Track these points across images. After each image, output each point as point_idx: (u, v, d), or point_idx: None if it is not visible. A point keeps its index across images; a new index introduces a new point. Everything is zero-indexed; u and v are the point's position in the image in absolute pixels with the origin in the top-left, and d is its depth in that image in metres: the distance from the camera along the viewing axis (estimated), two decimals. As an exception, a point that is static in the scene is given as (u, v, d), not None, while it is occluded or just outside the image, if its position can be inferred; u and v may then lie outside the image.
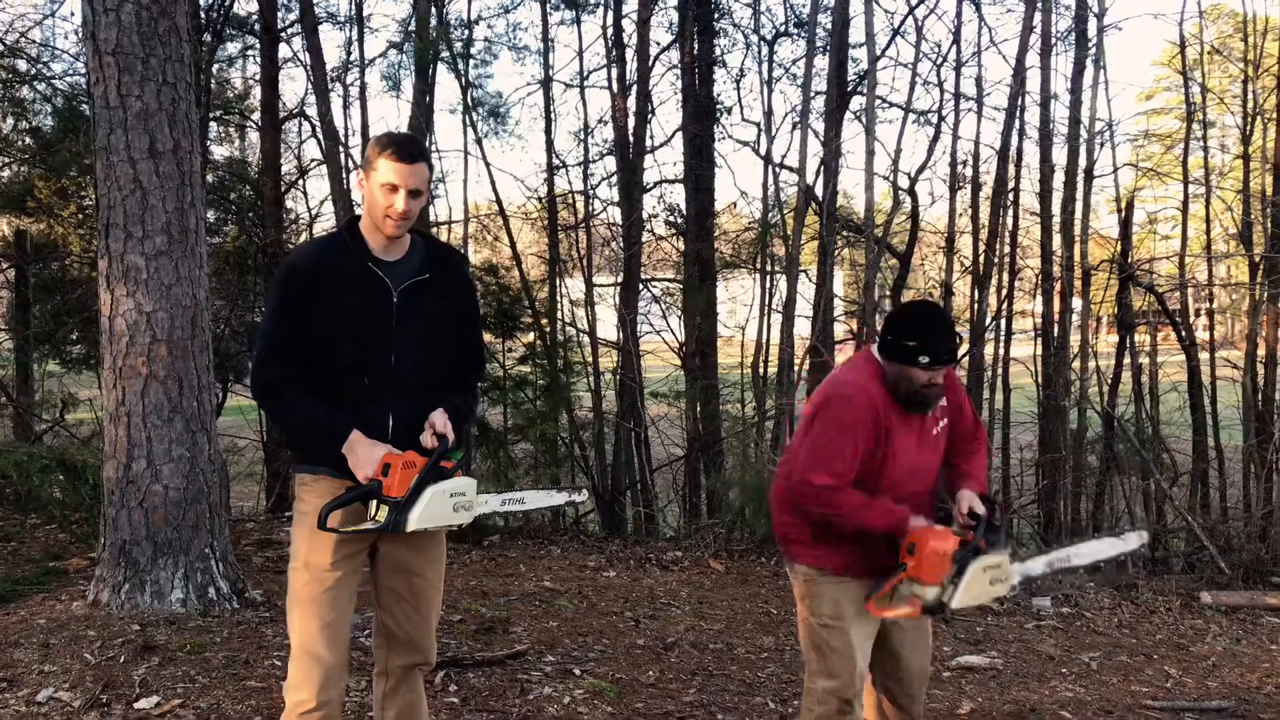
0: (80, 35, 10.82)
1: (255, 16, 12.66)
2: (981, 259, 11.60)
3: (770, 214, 13.05)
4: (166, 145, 4.64)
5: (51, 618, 4.60)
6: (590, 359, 10.85)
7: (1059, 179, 11.59)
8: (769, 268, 12.54)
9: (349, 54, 12.82)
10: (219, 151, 14.37)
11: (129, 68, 4.54)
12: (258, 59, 12.98)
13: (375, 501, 2.63)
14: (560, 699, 4.18)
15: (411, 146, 2.69)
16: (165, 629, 4.45)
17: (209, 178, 12.41)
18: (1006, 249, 12.44)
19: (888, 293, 13.36)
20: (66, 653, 4.18)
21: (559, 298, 11.44)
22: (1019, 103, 11.62)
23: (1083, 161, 11.60)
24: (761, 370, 11.88)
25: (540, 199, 12.93)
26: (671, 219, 13.99)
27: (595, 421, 10.64)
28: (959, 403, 3.23)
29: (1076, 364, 11.23)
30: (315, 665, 2.68)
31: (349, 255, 2.71)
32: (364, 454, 2.61)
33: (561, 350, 10.16)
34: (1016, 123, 11.26)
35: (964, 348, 12.63)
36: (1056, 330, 11.26)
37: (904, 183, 13.63)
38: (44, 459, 6.56)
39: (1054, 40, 11.54)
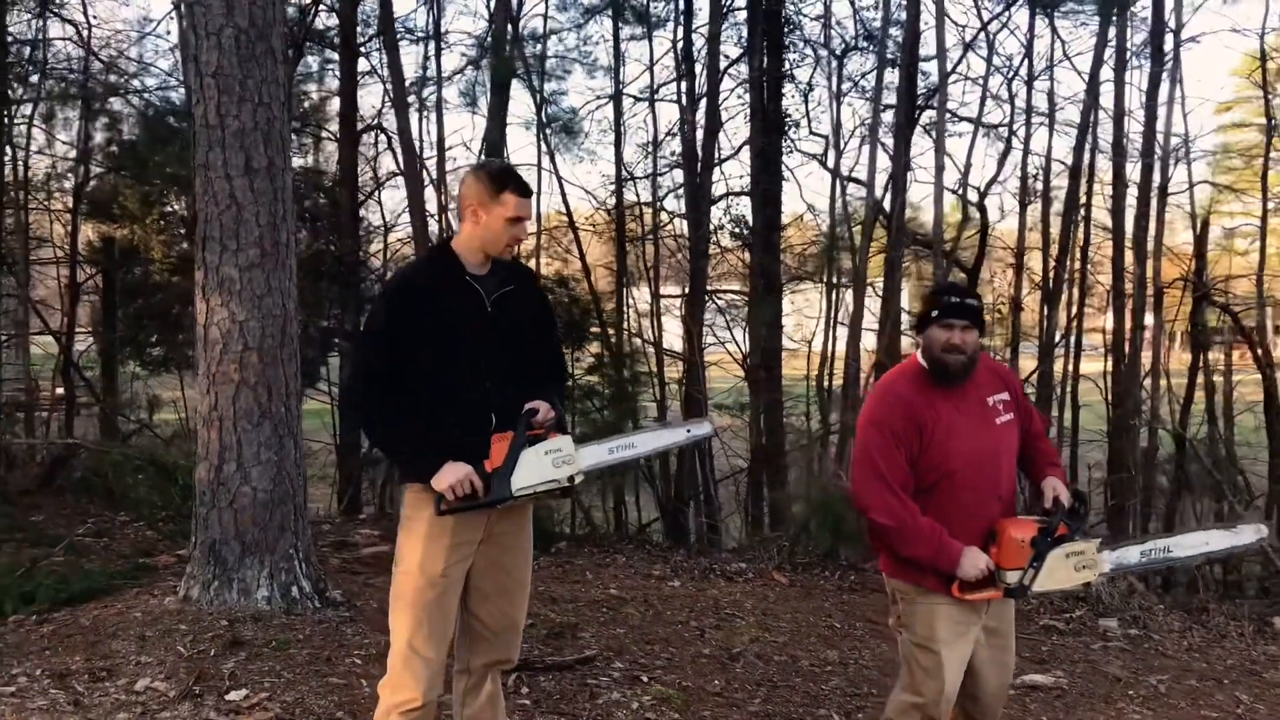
0: (179, 54, 11.25)
1: (335, 32, 13.05)
2: (1052, 274, 11.52)
3: (838, 228, 13.07)
4: (261, 163, 4.86)
5: (146, 611, 4.83)
6: (656, 369, 10.99)
7: (1132, 194, 11.49)
8: (835, 281, 12.58)
9: (425, 69, 13.15)
10: (295, 162, 14.79)
11: (228, 89, 4.77)
12: (336, 72, 13.39)
13: (483, 483, 2.80)
14: (629, 704, 4.30)
15: (526, 182, 2.92)
16: (252, 625, 4.65)
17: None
18: (1077, 265, 12.34)
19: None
20: (160, 645, 4.40)
21: (625, 309, 11.60)
22: (1092, 117, 11.53)
23: (1156, 178, 11.47)
24: (826, 384, 11.92)
25: (609, 211, 13.12)
26: (738, 231, 14.09)
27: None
28: (1027, 409, 3.30)
29: (1148, 382, 11.08)
30: (423, 666, 2.84)
31: (448, 271, 2.90)
32: (450, 470, 2.76)
33: (628, 361, 10.32)
34: (1089, 138, 11.17)
35: (1033, 363, 12.53)
36: (1128, 348, 11.13)
37: (973, 197, 13.60)
38: (136, 459, 6.85)
39: (1129, 54, 11.43)
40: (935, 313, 3.12)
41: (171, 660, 4.25)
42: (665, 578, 7.11)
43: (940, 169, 10.06)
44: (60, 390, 12.25)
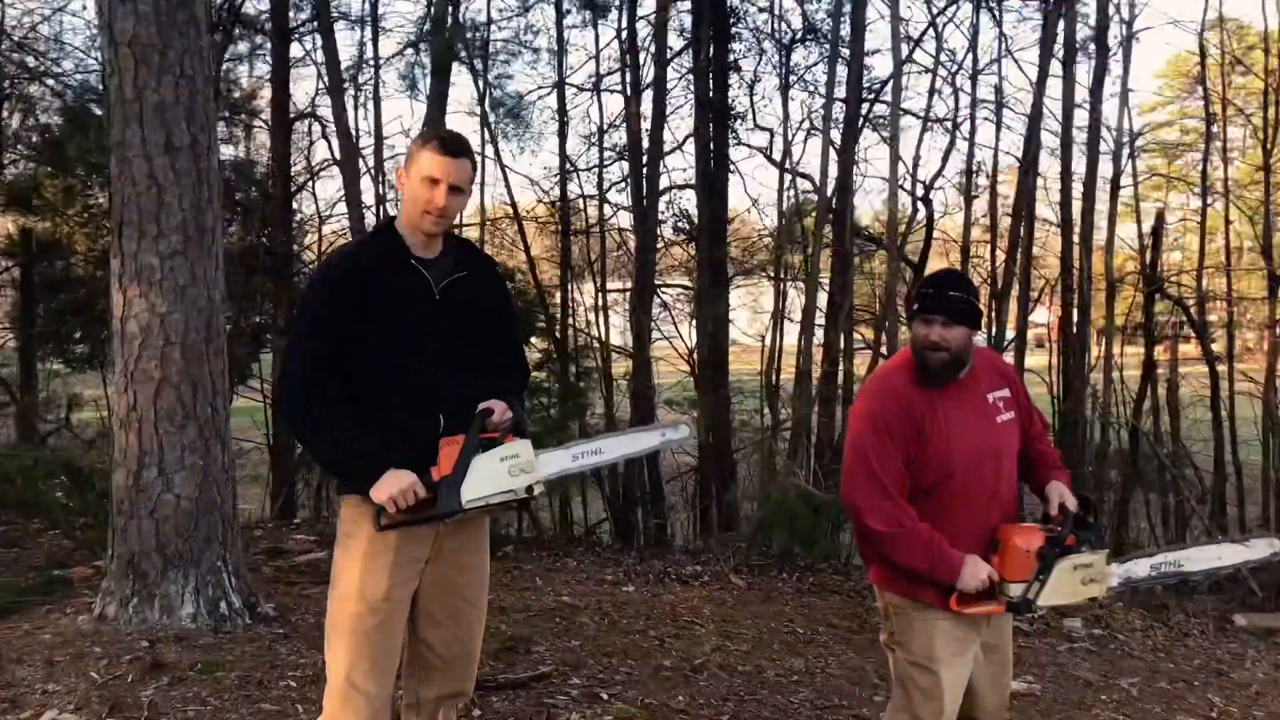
0: (97, 26, 10.65)
1: (266, 15, 12.52)
2: (1000, 268, 11.45)
3: (785, 221, 12.89)
4: (183, 140, 4.46)
5: (56, 632, 4.41)
6: (602, 365, 10.69)
7: (1078, 189, 11.47)
8: (783, 275, 12.39)
9: (362, 54, 12.69)
10: (226, 151, 14.20)
11: (146, 59, 4.36)
12: (267, 58, 12.85)
13: (430, 494, 2.48)
14: (589, 727, 4.00)
15: (455, 142, 2.56)
16: (175, 646, 4.26)
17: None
18: (1021, 259, 12.30)
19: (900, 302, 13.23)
20: (72, 670, 3.99)
21: (571, 304, 11.29)
22: (1039, 110, 11.47)
23: (1105, 170, 11.45)
24: (774, 380, 11.72)
25: (552, 203, 12.79)
26: (683, 225, 13.85)
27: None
28: (1027, 407, 3.06)
29: (1095, 376, 11.06)
30: (365, 703, 2.51)
31: (389, 253, 2.57)
32: (391, 479, 2.44)
33: (575, 357, 10.01)
34: (1037, 131, 11.10)
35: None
36: (1075, 343, 11.10)
37: (919, 191, 13.51)
38: (49, 464, 6.36)
39: (1076, 48, 11.39)
40: (915, 305, 2.88)
41: (83, 688, 3.85)
42: (619, 582, 6.82)
43: (894, 162, 9.90)
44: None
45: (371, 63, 12.02)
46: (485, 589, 2.73)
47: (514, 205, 11.01)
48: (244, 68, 13.63)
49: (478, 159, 2.79)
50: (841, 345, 11.09)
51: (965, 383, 2.92)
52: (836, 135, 11.71)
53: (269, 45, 12.51)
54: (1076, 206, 11.47)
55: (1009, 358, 11.34)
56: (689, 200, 13.29)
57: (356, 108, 12.36)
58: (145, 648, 4.21)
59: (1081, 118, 11.39)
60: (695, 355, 12.08)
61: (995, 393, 2.93)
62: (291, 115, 12.54)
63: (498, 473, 2.47)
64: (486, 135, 11.55)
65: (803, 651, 5.51)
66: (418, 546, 2.56)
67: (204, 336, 4.55)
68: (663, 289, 12.98)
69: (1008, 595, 2.77)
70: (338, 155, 11.11)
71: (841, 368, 10.23)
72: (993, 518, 2.86)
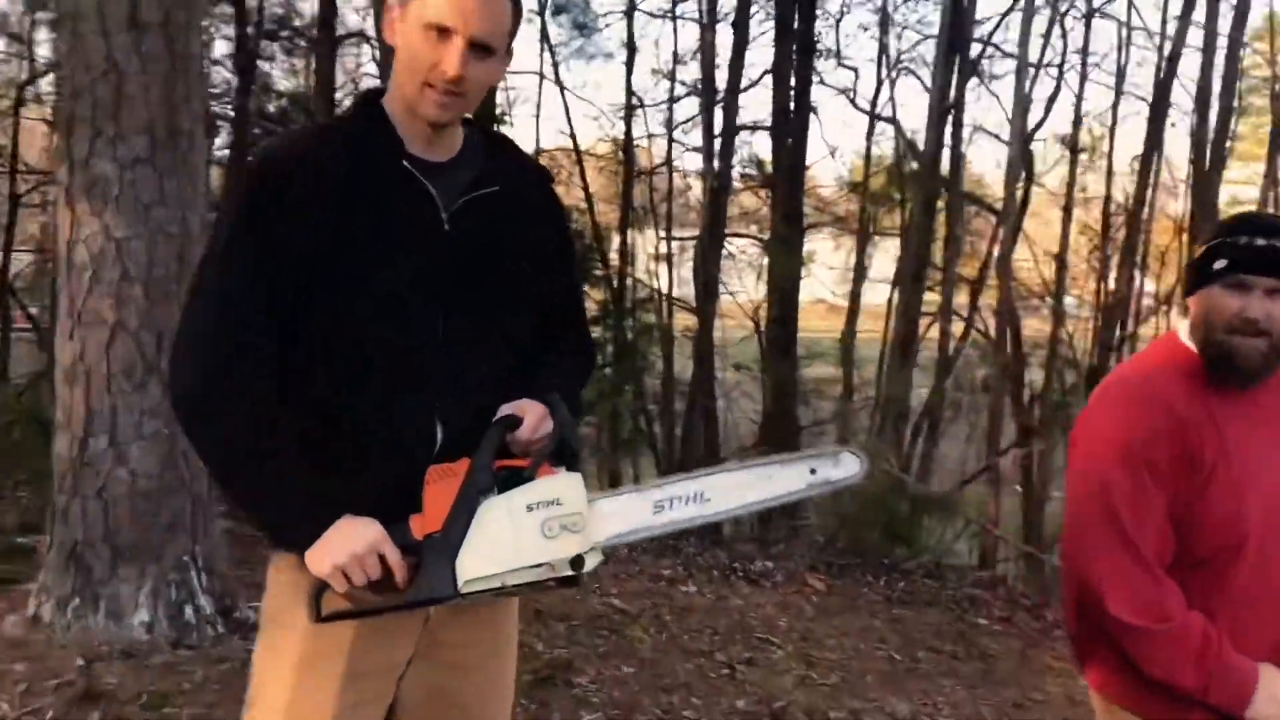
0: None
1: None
2: (1121, 228, 10.20)
3: (871, 170, 11.70)
4: (152, 15, 3.45)
5: (-25, 639, 3.50)
6: (665, 320, 9.63)
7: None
8: (867, 228, 11.23)
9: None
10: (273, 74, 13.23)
11: (103, -95, 3.34)
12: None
13: (404, 563, 1.46)
14: (646, 810, 3.01)
15: None
16: (118, 667, 3.33)
17: (268, 106, 11.32)
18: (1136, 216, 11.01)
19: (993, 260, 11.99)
20: (-21, 697, 3.08)
21: (631, 251, 10.24)
22: (1164, 54, 10.12)
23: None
24: (854, 341, 10.62)
25: (615, 141, 11.70)
26: (756, 172, 12.70)
27: (667, 394, 9.44)
28: None
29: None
30: None
31: (369, 150, 1.54)
32: (342, 535, 1.43)
33: (633, 311, 8.99)
34: (1170, 76, 9.76)
35: (1082, 319, 11.24)
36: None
37: (1021, 141, 12.19)
38: (22, 410, 5.47)
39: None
40: (1221, 263, 1.79)
41: (-13, 724, 2.94)
42: (677, 579, 5.82)
43: (988, 109, 8.64)
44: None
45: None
46: (507, 702, 1.71)
47: (573, 136, 9.94)
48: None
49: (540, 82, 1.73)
50: (923, 309, 9.95)
51: (1262, 394, 1.85)
52: (930, 77, 10.47)
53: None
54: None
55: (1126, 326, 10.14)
56: (762, 144, 12.14)
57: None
58: (80, 668, 3.29)
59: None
60: (763, 313, 10.98)
61: None
62: (338, 34, 11.56)
63: (522, 531, 1.45)
64: (547, 55, 10.44)
65: (904, 687, 4.48)
66: (388, 645, 1.56)
67: (174, 272, 3.56)
68: (733, 239, 11.86)
69: None
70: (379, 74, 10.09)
71: (939, 332, 9.08)
72: None
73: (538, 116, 18.77)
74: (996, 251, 10.63)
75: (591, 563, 1.48)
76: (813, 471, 1.60)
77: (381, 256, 1.51)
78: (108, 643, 3.45)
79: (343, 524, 1.43)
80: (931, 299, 10.95)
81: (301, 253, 1.47)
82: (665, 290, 9.84)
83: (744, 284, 12.26)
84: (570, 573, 1.47)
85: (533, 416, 1.53)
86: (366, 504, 1.46)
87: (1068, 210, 12.20)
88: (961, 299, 10.63)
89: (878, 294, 10.95)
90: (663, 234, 10.87)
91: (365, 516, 1.45)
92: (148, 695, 3.17)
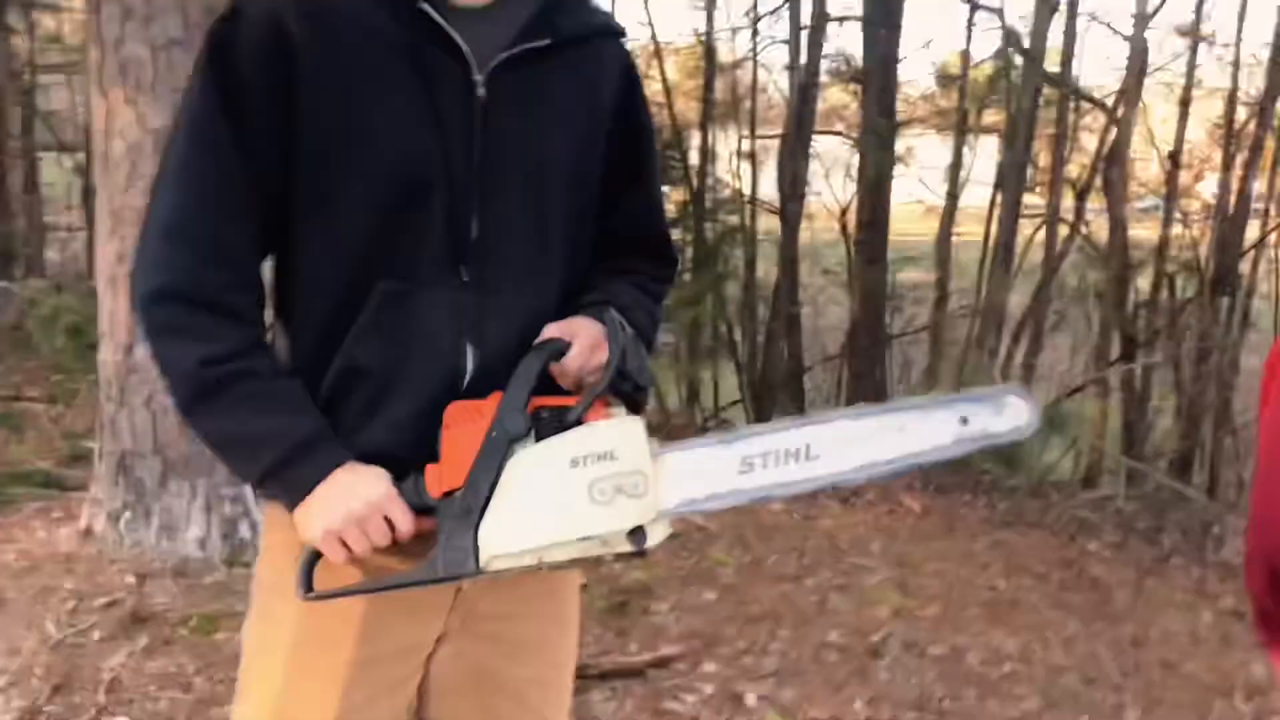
0: None
1: None
2: (1242, 124, 9.35)
3: (971, 63, 10.93)
4: (184, -125, 3.10)
5: (24, 551, 3.35)
6: (748, 224, 9.16)
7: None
8: (966, 125, 10.53)
9: None
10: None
11: None
12: None
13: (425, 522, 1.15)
14: (730, 758, 2.74)
15: None
16: (171, 585, 3.16)
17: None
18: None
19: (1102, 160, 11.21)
20: (24, 618, 2.92)
21: (712, 149, 9.74)
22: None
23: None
24: (950, 244, 10.03)
25: (696, 33, 11.10)
26: (845, 66, 12.01)
27: (749, 300, 9.02)
28: None
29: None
30: None
31: None
32: (340, 490, 1.12)
33: (714, 214, 8.54)
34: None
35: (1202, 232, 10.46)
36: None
37: (1136, 30, 11.27)
38: (74, 313, 5.31)
39: None
40: None
41: (31, 645, 2.77)
42: (761, 496, 5.51)
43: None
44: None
45: None
46: (565, 691, 1.39)
47: (651, 26, 9.40)
48: None
49: None
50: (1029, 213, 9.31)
51: None
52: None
53: None
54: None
55: (1253, 230, 9.36)
56: (852, 36, 11.42)
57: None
58: (130, 585, 3.12)
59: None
60: (852, 215, 10.42)
61: None
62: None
63: (564, 492, 1.11)
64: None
65: (1009, 620, 4.12)
66: (411, 620, 1.26)
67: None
68: (821, 138, 11.25)
69: None
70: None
71: (1045, 236, 8.47)
72: None
73: (613, 4, 18.13)
74: (1106, 151, 9.88)
75: (655, 537, 1.13)
76: (964, 421, 1.19)
77: (393, 132, 1.16)
78: (160, 559, 3.27)
79: (340, 474, 1.12)
80: (1034, 202, 10.26)
81: (287, 128, 1.15)
82: (748, 191, 9.33)
83: (831, 185, 11.67)
84: (628, 549, 1.12)
85: (585, 340, 1.19)
86: (373, 450, 1.14)
87: (1185, 106, 11.25)
88: (1067, 201, 9.93)
89: (977, 196, 10.29)
90: (745, 132, 10.32)
91: (371, 466, 1.13)
92: (197, 618, 2.99)
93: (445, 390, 1.18)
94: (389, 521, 1.12)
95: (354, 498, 1.11)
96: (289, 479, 1.14)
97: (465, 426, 1.14)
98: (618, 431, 1.13)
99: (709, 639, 3.44)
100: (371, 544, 1.12)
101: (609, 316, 1.20)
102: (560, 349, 1.18)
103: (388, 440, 1.17)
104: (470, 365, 1.19)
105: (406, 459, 1.16)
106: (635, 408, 1.19)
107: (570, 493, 1.10)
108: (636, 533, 1.11)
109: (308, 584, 1.15)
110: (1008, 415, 1.17)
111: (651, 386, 1.22)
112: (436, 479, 1.13)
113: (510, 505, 1.10)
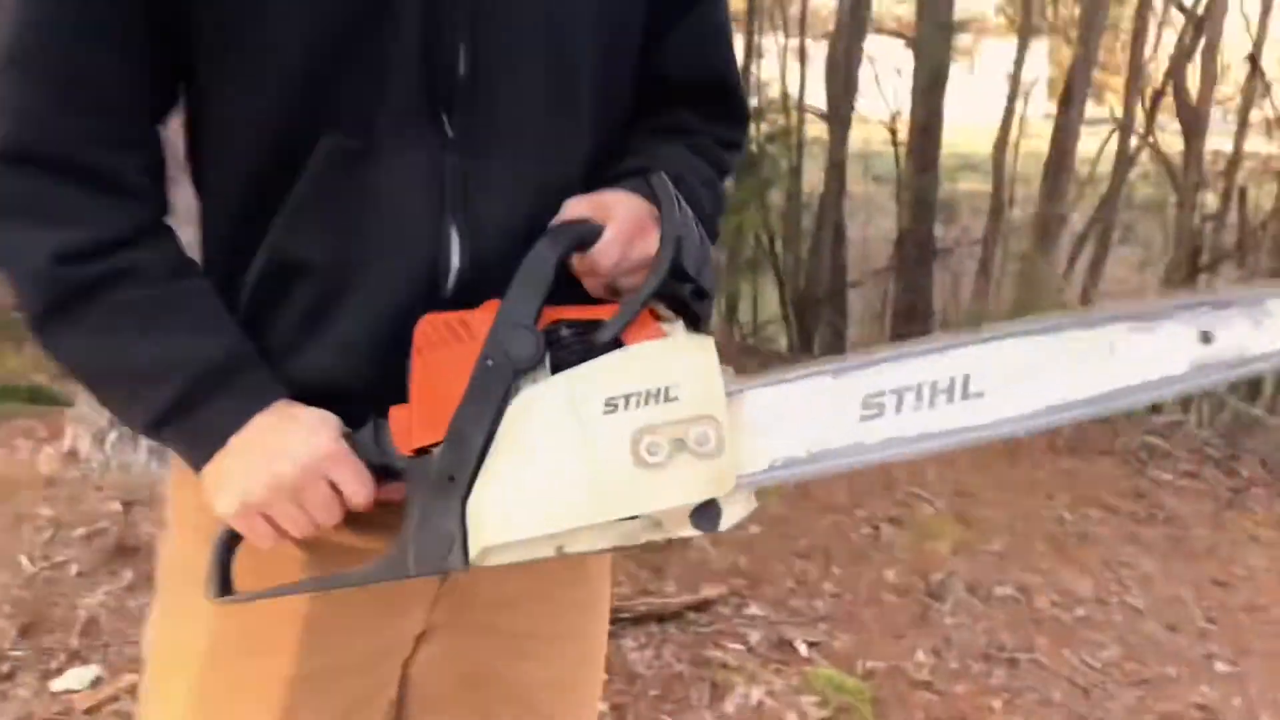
0: None
1: None
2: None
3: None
4: None
5: (5, 471, 3.07)
6: (796, 127, 8.65)
7: None
8: (1029, 27, 9.88)
9: None
10: None
11: None
12: None
13: (389, 492, 0.80)
14: (780, 713, 2.42)
15: None
16: (157, 515, 2.84)
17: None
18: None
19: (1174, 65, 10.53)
20: (-2, 546, 2.65)
21: (758, 49, 9.21)
22: None
23: None
24: (1008, 153, 9.50)
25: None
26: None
27: (794, 210, 8.56)
28: None
29: None
30: None
31: None
32: (269, 446, 0.77)
33: (761, 116, 8.05)
34: None
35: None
36: None
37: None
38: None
39: None
40: None
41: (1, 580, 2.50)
42: (807, 418, 5.16)
43: None
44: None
45: None
46: (590, 694, 1.05)
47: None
48: None
49: None
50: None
51: None
52: None
53: None
54: None
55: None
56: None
57: None
58: (115, 514, 2.83)
59: None
60: (903, 121, 9.85)
61: None
62: None
63: (597, 449, 0.74)
64: None
65: (1079, 557, 3.78)
66: (380, 615, 0.91)
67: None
68: (870, 36, 10.63)
69: None
70: None
71: (1116, 145, 7.92)
72: None
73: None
74: (1179, 54, 9.21)
75: (733, 516, 0.78)
76: (1206, 338, 0.78)
77: None
78: (149, 485, 2.97)
79: (265, 420, 0.78)
80: (1099, 111, 9.63)
81: None
82: (796, 95, 8.80)
83: (883, 91, 11.06)
84: (689, 533, 0.77)
85: (623, 222, 0.82)
86: (315, 383, 0.80)
87: (1267, 6, 10.49)
88: (1137, 109, 9.32)
89: (1039, 105, 9.70)
90: (794, 32, 9.74)
91: (312, 408, 0.78)
92: (188, 551, 2.69)
93: (419, 295, 0.82)
94: (336, 489, 0.77)
95: (284, 455, 0.76)
96: (189, 427, 0.79)
97: (447, 350, 0.78)
98: (675, 358, 0.77)
99: (754, 578, 3.12)
100: (312, 522, 0.77)
101: (661, 187, 0.82)
102: (587, 235, 0.81)
103: (335, 368, 0.82)
104: (455, 259, 0.83)
105: (362, 396, 0.81)
106: (696, 323, 0.82)
107: (605, 450, 0.74)
108: (705, 509, 0.75)
109: (222, 580, 0.80)
110: (1271, 329, 0.76)
111: (717, 293, 0.85)
112: (405, 427, 0.78)
113: (514, 469, 0.75)
